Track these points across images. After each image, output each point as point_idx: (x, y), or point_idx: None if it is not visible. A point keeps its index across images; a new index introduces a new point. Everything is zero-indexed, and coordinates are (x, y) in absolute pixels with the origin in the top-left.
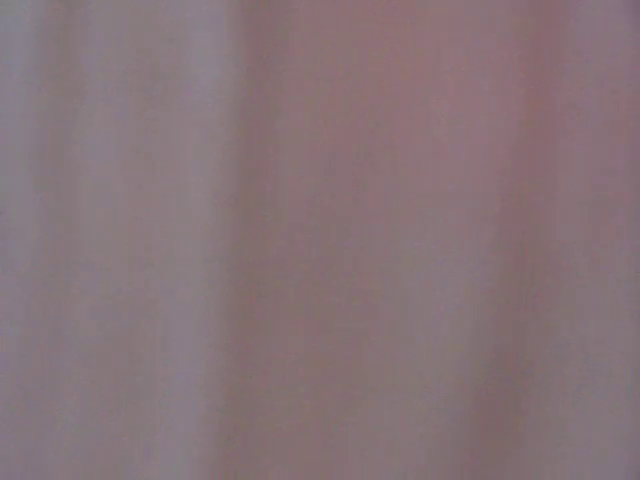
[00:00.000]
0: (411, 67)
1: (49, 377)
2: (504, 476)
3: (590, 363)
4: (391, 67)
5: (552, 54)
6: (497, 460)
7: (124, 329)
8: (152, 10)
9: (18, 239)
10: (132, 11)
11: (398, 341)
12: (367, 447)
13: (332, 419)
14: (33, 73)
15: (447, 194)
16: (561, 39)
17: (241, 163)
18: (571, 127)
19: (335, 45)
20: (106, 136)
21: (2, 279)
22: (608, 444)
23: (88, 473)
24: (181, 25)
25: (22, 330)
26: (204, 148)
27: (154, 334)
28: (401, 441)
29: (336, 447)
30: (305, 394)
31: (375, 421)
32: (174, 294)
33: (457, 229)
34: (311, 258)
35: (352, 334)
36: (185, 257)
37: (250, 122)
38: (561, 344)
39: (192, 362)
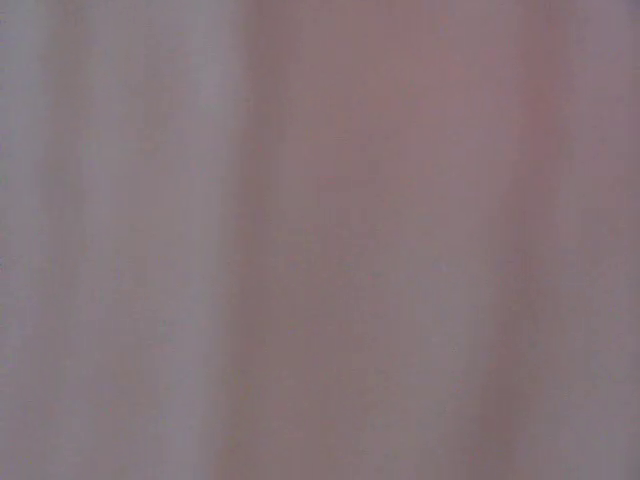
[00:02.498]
0: (415, 83)
1: (50, 382)
2: None
3: (590, 381)
4: (396, 87)
5: (554, 65)
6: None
7: (127, 340)
8: (157, 28)
9: (26, 255)
10: (136, 29)
11: (394, 355)
12: (361, 462)
13: (327, 432)
14: (39, 90)
15: (448, 209)
16: (564, 51)
17: (244, 180)
18: (573, 139)
19: (340, 67)
20: (112, 151)
21: (10, 287)
22: (605, 466)
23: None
24: (185, 41)
25: (28, 336)
26: (208, 166)
27: (157, 344)
28: (394, 458)
29: (331, 458)
30: (304, 404)
31: (370, 435)
32: (177, 305)
33: (458, 244)
34: (311, 273)
35: (350, 346)
36: (189, 270)
37: (254, 140)
38: (561, 361)
39: (194, 370)
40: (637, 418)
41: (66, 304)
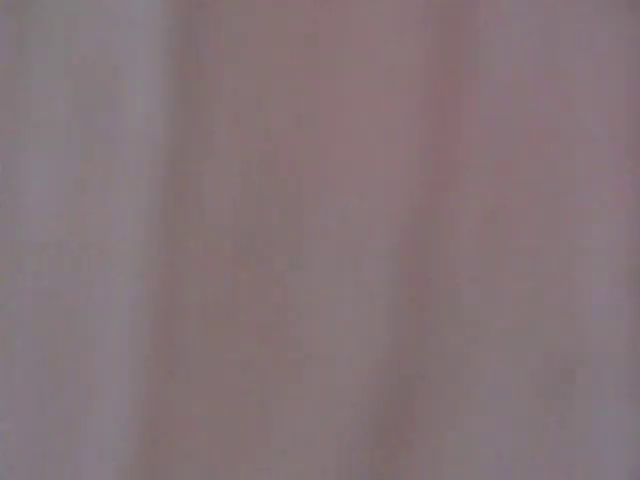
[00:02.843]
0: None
1: None
2: None
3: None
4: (318, 102)
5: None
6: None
7: (58, 337)
8: (91, 49)
9: None
10: (72, 50)
11: (305, 350)
12: (274, 458)
13: (243, 432)
14: None
15: (354, 220)
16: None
17: (169, 194)
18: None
19: (260, 86)
20: (47, 164)
21: None
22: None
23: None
24: (118, 60)
25: None
26: (137, 182)
27: (85, 348)
28: (307, 457)
29: (246, 452)
30: (220, 397)
31: (284, 430)
32: (103, 310)
33: (361, 248)
34: (227, 277)
35: (262, 342)
36: (116, 275)
37: (179, 158)
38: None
39: (118, 372)
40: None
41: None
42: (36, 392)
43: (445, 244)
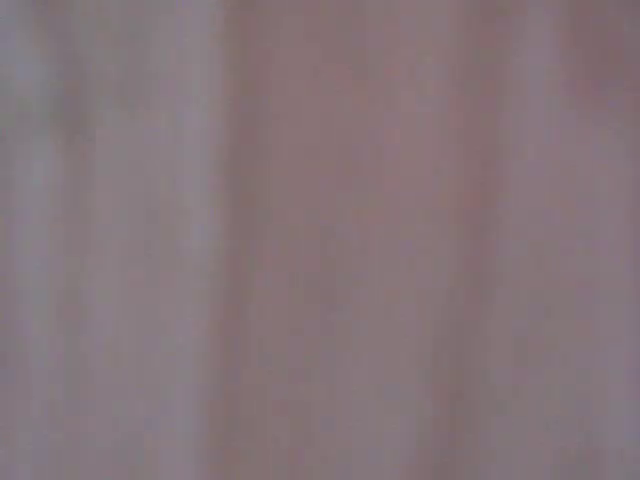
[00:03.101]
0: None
1: None
2: None
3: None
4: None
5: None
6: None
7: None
8: (149, 160)
9: (36, 371)
10: (131, 161)
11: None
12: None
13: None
14: (46, 222)
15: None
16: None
17: (223, 310)
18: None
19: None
20: (112, 276)
21: (21, 394)
22: None
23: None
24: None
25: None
26: (192, 285)
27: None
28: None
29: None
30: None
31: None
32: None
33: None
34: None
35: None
36: (176, 381)
37: (231, 278)
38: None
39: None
40: None
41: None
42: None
43: (481, 354)
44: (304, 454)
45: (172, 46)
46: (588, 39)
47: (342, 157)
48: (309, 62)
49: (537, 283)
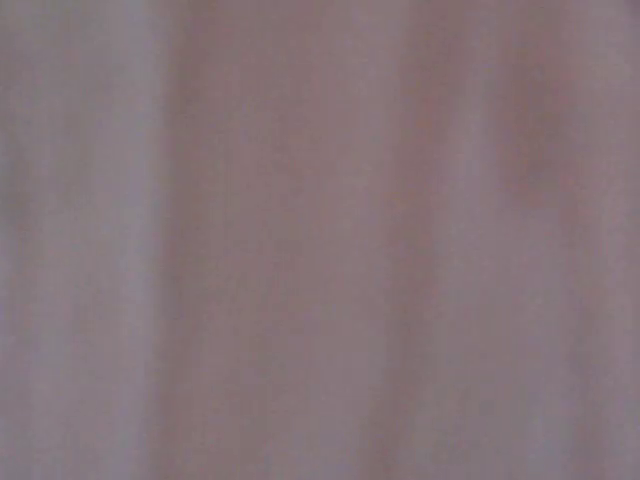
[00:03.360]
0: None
1: None
2: None
3: None
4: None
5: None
6: None
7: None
8: (89, 251)
9: None
10: (72, 251)
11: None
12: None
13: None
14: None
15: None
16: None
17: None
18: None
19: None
20: (51, 363)
21: None
22: None
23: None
24: (112, 263)
25: None
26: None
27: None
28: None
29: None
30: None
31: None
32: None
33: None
34: None
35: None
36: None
37: (167, 368)
38: None
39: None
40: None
41: None
42: None
43: (410, 445)
44: None
45: (113, 139)
46: (522, 125)
47: (278, 252)
48: (245, 155)
49: (470, 373)
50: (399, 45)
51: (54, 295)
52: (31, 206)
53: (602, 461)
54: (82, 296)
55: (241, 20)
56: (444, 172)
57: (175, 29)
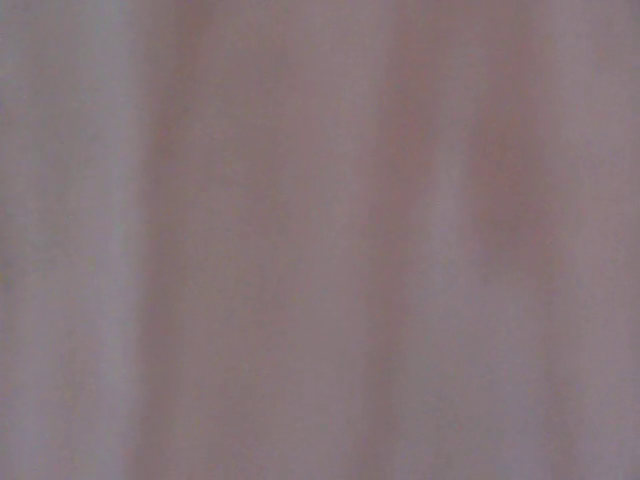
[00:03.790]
0: None
1: None
2: None
3: None
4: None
5: None
6: None
7: None
8: (69, 309)
9: None
10: (52, 310)
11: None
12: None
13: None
14: None
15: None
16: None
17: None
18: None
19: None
20: (32, 420)
21: None
22: None
23: None
24: (92, 321)
25: None
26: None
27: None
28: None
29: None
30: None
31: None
32: None
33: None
34: None
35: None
36: None
37: (146, 427)
38: None
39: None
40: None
41: None
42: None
43: None
44: None
45: (94, 198)
46: (498, 180)
47: (258, 308)
48: (224, 212)
49: (441, 434)
50: (374, 101)
51: (35, 355)
52: (12, 268)
53: None
54: (62, 356)
55: (220, 78)
56: (419, 229)
57: (155, 87)
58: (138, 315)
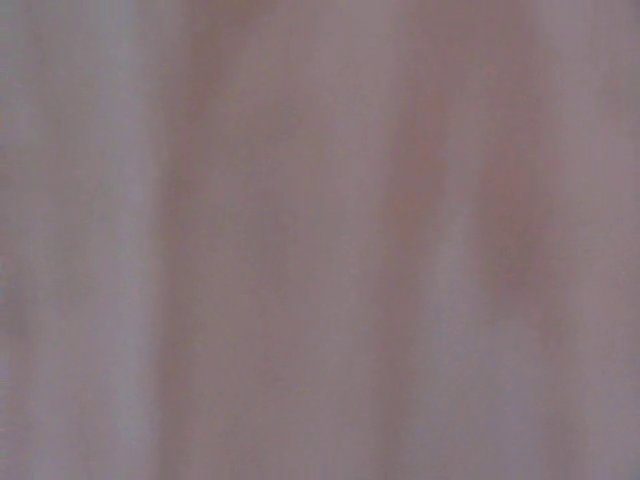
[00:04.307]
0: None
1: None
2: None
3: None
4: None
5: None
6: None
7: None
8: (84, 358)
9: None
10: (68, 359)
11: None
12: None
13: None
14: None
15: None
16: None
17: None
18: None
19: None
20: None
21: None
22: None
23: None
24: (107, 369)
25: None
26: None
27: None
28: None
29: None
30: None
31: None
32: None
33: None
34: None
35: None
36: None
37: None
38: None
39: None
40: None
41: None
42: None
43: None
44: None
45: (107, 247)
46: (503, 235)
47: (269, 356)
48: (237, 278)
49: (448, 478)
50: (382, 156)
51: (49, 401)
52: (29, 315)
53: None
54: (77, 403)
55: (231, 138)
56: (426, 280)
57: (166, 148)
58: (151, 366)
